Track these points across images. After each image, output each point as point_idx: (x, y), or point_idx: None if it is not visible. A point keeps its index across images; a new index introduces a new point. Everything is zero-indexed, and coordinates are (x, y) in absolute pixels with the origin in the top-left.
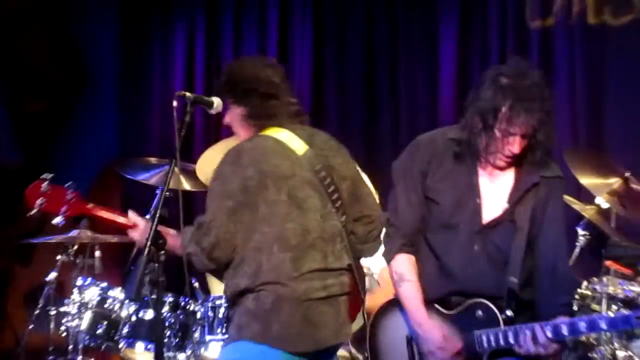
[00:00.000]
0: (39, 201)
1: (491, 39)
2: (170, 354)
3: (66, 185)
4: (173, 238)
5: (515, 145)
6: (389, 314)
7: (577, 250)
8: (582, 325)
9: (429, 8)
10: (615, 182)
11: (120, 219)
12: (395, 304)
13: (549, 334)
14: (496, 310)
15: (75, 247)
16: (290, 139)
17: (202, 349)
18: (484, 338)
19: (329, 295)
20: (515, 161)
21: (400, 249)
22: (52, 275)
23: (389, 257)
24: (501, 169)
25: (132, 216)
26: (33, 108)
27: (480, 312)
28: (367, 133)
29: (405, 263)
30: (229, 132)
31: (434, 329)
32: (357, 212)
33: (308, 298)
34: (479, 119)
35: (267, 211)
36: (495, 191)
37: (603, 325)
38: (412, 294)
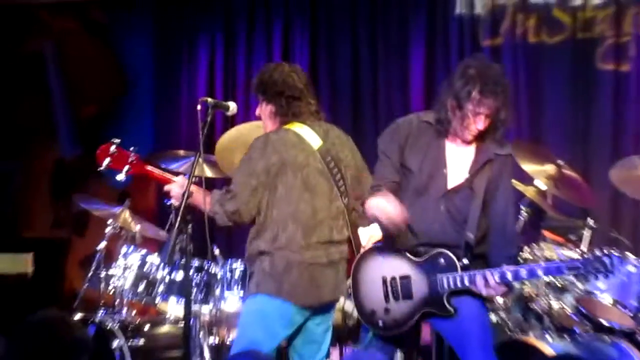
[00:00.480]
0: (106, 160)
1: (452, 54)
2: (197, 306)
3: (130, 149)
4: (199, 194)
5: (481, 123)
6: (368, 259)
7: (520, 222)
8: (523, 272)
9: (402, 28)
10: (550, 168)
11: (166, 176)
12: (373, 251)
13: (497, 278)
14: (455, 259)
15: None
16: (309, 134)
17: (222, 303)
18: (444, 280)
19: (331, 261)
20: (477, 139)
21: (373, 193)
22: (102, 245)
23: (364, 201)
24: (468, 143)
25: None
26: (86, 111)
27: (442, 260)
28: (353, 125)
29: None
30: None
31: (387, 202)
32: (359, 193)
33: (313, 263)
34: (454, 101)
35: (284, 192)
36: (458, 163)
37: (540, 273)
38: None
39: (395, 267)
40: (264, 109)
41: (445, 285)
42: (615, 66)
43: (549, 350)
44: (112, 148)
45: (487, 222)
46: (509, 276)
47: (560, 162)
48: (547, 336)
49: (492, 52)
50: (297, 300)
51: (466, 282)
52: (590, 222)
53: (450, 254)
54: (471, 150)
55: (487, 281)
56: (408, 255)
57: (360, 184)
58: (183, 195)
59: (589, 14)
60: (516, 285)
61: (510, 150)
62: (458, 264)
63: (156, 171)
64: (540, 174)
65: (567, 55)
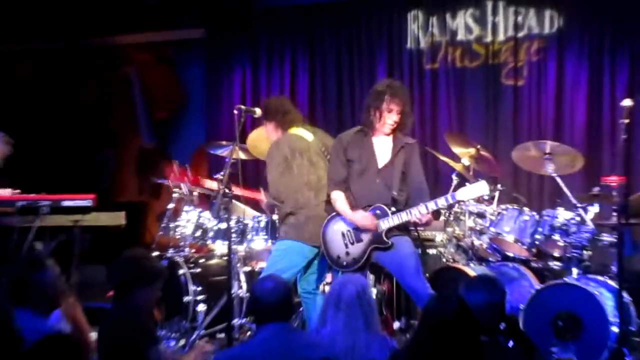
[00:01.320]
0: (171, 177)
1: (405, 75)
2: (235, 246)
3: (186, 165)
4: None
5: (393, 116)
6: (331, 222)
7: (452, 187)
8: (431, 204)
9: (371, 57)
10: (472, 150)
11: (211, 186)
12: (334, 216)
13: (414, 211)
14: (387, 208)
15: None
16: (303, 133)
17: (252, 243)
18: (381, 223)
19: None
20: (393, 133)
21: (334, 188)
22: (171, 205)
23: (328, 192)
24: (387, 135)
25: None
26: (159, 116)
27: (378, 211)
28: (337, 123)
29: (338, 195)
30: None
31: (357, 216)
32: None
33: (317, 216)
34: (372, 108)
35: (297, 170)
36: (383, 151)
37: (440, 203)
38: (343, 207)
39: (348, 223)
40: (268, 127)
41: (383, 226)
42: (514, 82)
43: (472, 273)
44: (175, 167)
45: (407, 187)
46: (423, 209)
47: (478, 146)
48: (471, 264)
49: (431, 73)
50: (312, 242)
51: (396, 221)
52: (499, 186)
53: (383, 206)
54: (389, 141)
55: (410, 215)
56: None
57: None
58: (225, 172)
59: (496, 47)
60: (449, 229)
61: (414, 140)
62: (389, 211)
63: (203, 182)
64: (465, 155)
65: (482, 74)
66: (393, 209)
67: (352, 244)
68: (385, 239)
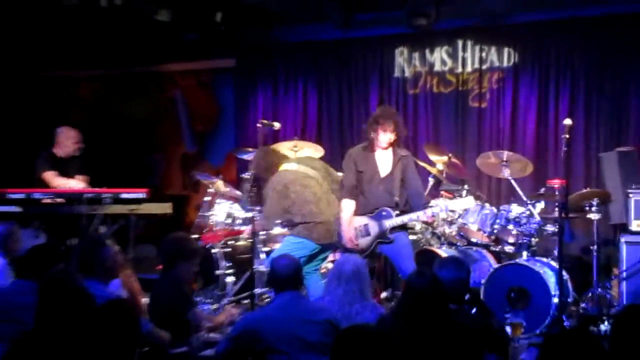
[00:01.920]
0: (209, 240)
1: (392, 98)
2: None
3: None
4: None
5: (388, 134)
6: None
7: (429, 187)
8: (429, 211)
9: (366, 85)
10: (445, 158)
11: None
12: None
13: (414, 215)
14: (391, 211)
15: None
16: (289, 166)
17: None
18: (386, 223)
19: (332, 219)
20: (392, 147)
21: (344, 197)
22: (207, 198)
23: (340, 200)
24: (385, 149)
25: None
26: (198, 128)
27: (384, 212)
28: (340, 138)
29: (346, 204)
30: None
31: (347, 231)
32: (333, 183)
33: (324, 221)
34: (371, 130)
35: (294, 195)
36: (384, 163)
37: (436, 211)
38: (345, 217)
39: (360, 221)
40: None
41: (387, 225)
42: (479, 104)
43: (444, 254)
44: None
45: (406, 192)
46: (429, 212)
47: (450, 155)
48: (443, 247)
49: (413, 97)
50: (318, 241)
51: (399, 221)
52: (466, 186)
53: (388, 209)
54: (389, 154)
55: (415, 218)
56: (367, 214)
57: (329, 175)
58: (249, 166)
59: (465, 77)
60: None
61: (408, 152)
62: (393, 213)
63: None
64: (439, 161)
65: (454, 98)
66: (397, 212)
67: (362, 236)
68: (388, 235)
